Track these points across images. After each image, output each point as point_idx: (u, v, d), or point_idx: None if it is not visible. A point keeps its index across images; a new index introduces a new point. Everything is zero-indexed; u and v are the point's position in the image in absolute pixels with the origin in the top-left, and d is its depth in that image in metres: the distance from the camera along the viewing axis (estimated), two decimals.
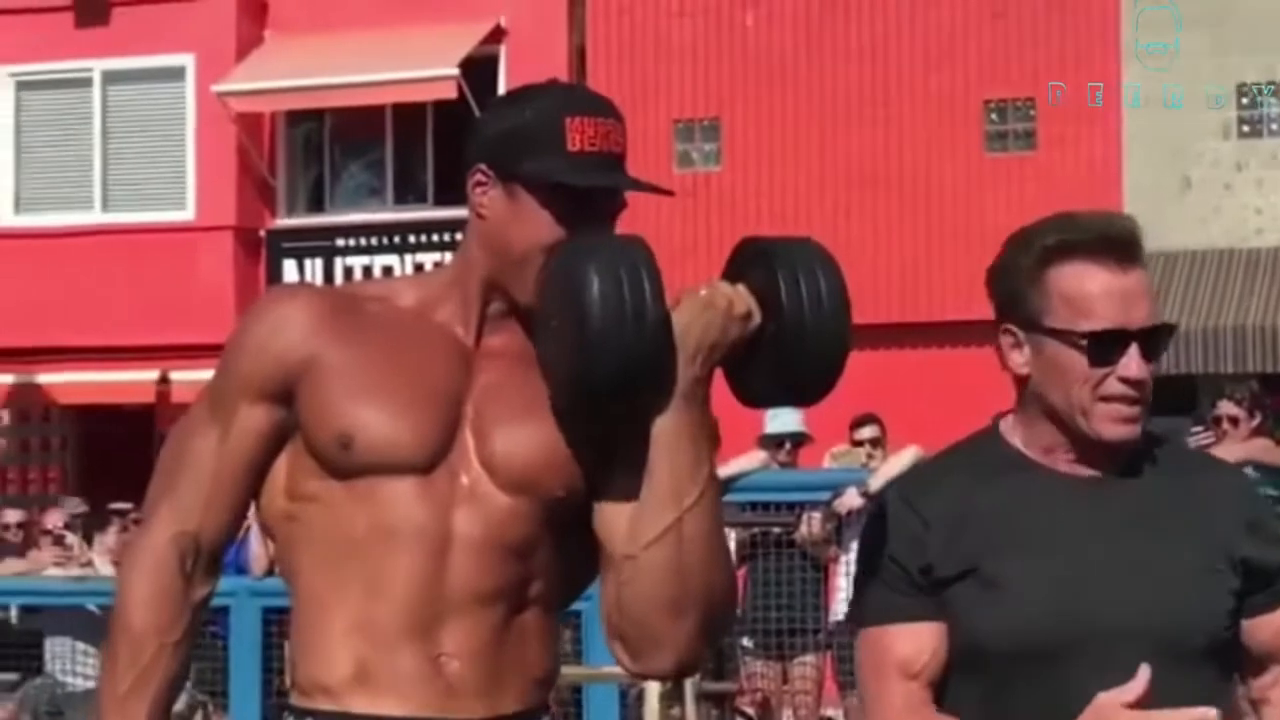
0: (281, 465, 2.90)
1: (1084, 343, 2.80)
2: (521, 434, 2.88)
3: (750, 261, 2.84)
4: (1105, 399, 2.82)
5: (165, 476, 2.93)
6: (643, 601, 2.78)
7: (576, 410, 2.84)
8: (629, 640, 2.85)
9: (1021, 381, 2.90)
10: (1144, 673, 2.71)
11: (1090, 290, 2.82)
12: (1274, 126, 17.69)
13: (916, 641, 2.88)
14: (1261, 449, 9.79)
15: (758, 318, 2.76)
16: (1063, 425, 2.87)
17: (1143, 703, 2.73)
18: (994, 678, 2.85)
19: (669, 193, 3.11)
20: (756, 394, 2.85)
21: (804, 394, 2.86)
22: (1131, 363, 2.81)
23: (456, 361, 2.89)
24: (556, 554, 2.94)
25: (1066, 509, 2.87)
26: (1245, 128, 17.75)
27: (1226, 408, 10.27)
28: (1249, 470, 9.67)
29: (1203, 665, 2.86)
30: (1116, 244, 2.85)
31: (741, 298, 2.77)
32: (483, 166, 2.89)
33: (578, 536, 2.94)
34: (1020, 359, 2.89)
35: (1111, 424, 2.83)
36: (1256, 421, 10.23)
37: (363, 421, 2.81)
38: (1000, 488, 2.90)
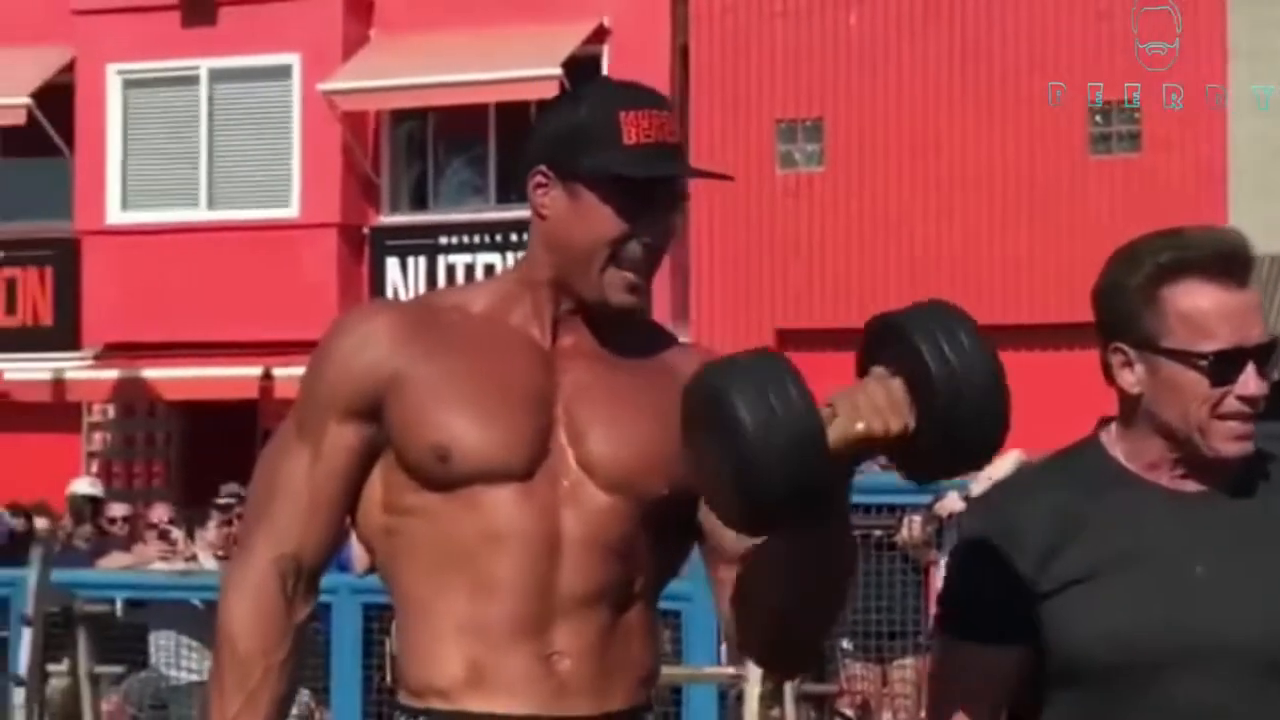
0: (376, 481, 2.91)
1: (1205, 364, 2.79)
2: (616, 434, 2.89)
3: (884, 340, 2.70)
4: (1222, 417, 2.80)
5: (260, 500, 2.96)
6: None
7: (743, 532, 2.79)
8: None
9: (1130, 399, 2.87)
10: None
11: (1209, 309, 2.79)
12: None
13: (1005, 664, 2.87)
14: None
15: (910, 419, 2.63)
16: (1175, 441, 2.85)
17: None
18: (1096, 692, 2.83)
19: (729, 178, 3.14)
20: (927, 472, 2.73)
21: (975, 461, 2.73)
22: (1250, 381, 2.79)
23: (538, 364, 2.90)
24: (656, 550, 2.95)
25: (1173, 524, 2.85)
26: None
27: None
28: None
29: None
30: (1231, 261, 2.82)
31: (892, 391, 2.63)
32: (542, 168, 2.92)
33: (674, 531, 2.97)
34: (1132, 378, 2.85)
35: (1229, 441, 2.81)
36: None
37: (458, 433, 2.83)
38: (1104, 502, 2.88)
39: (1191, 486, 2.87)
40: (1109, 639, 2.81)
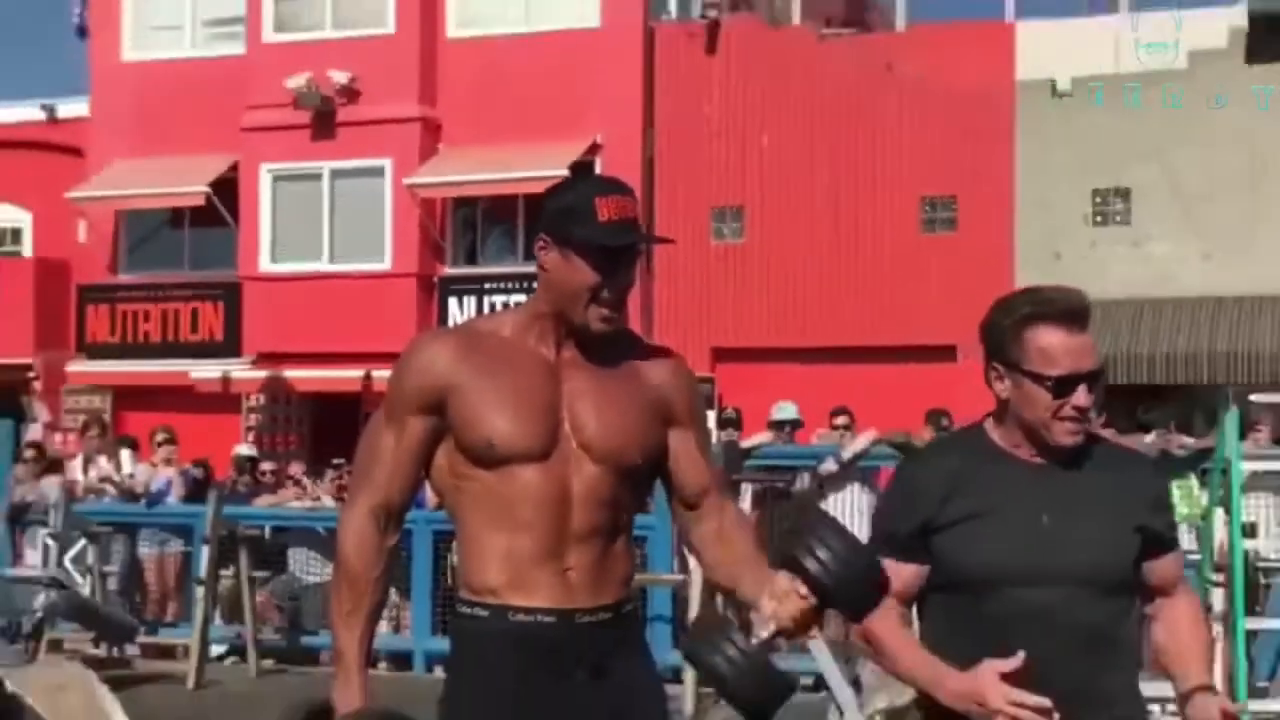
0: (442, 454, 2.94)
1: (1050, 384, 2.82)
2: (604, 424, 2.91)
3: (787, 551, 2.76)
4: (1061, 419, 2.84)
5: (362, 466, 2.99)
6: None
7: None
8: None
9: (1002, 400, 2.90)
10: (1019, 656, 2.70)
11: (1055, 346, 2.82)
12: (1117, 219, 17.61)
13: (909, 576, 2.88)
14: (1111, 436, 9.82)
15: (812, 602, 2.70)
16: (1030, 432, 2.88)
17: (1018, 679, 2.70)
18: (971, 596, 2.84)
19: (671, 240, 3.32)
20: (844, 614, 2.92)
21: (859, 616, 2.85)
22: (1080, 396, 2.83)
23: (548, 375, 2.92)
24: (633, 498, 3.03)
25: (1028, 486, 2.88)
26: (1099, 218, 17.67)
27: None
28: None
29: (1111, 593, 2.86)
30: (1074, 313, 2.85)
31: (794, 598, 2.69)
32: (543, 236, 2.94)
33: (644, 484, 3.06)
34: (1002, 387, 2.89)
35: (1066, 435, 2.85)
36: (1103, 420, 10.26)
37: (500, 430, 2.86)
38: (982, 468, 2.90)
39: (1041, 461, 2.89)
40: (982, 562, 2.83)
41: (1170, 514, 3.04)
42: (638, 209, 2.95)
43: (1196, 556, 8.66)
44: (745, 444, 10.62)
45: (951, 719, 2.79)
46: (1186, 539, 9.32)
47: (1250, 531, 7.31)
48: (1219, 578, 6.66)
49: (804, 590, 2.67)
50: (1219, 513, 6.83)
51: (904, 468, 3.08)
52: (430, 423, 2.92)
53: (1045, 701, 2.69)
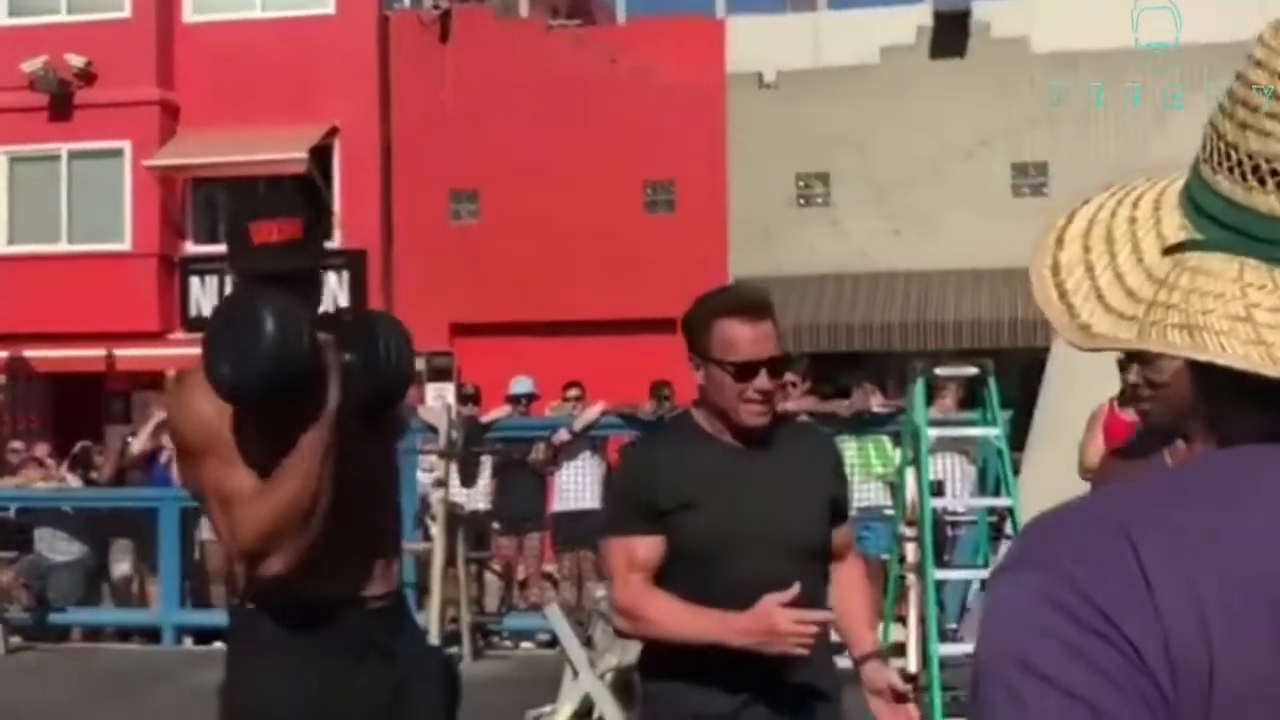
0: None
1: (732, 369, 2.91)
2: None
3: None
4: (747, 401, 2.93)
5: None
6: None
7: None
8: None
9: (702, 388, 2.99)
10: (795, 587, 2.80)
11: (736, 336, 2.91)
12: (819, 200, 18.21)
13: (649, 548, 2.92)
14: (811, 403, 10.16)
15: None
16: (723, 415, 2.96)
17: (796, 603, 2.81)
18: (694, 567, 2.90)
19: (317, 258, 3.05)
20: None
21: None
22: (762, 380, 2.92)
23: None
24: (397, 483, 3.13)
25: (732, 465, 2.96)
26: (802, 200, 18.25)
27: (790, 376, 10.66)
28: (802, 417, 10.08)
29: (813, 559, 3.00)
30: (753, 307, 2.96)
31: None
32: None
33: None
34: (700, 376, 2.98)
35: (751, 417, 2.94)
36: (808, 385, 10.63)
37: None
38: (695, 451, 2.98)
39: (740, 443, 2.98)
40: (701, 536, 2.90)
41: (845, 481, 3.24)
42: (299, 228, 2.81)
43: (891, 512, 9.11)
44: (485, 419, 10.68)
45: (674, 671, 2.91)
46: (881, 495, 9.78)
47: (938, 489, 7.71)
48: (911, 532, 7.02)
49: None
50: (910, 472, 7.20)
51: (625, 456, 3.14)
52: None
53: (826, 615, 2.88)
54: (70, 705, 8.57)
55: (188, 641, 10.64)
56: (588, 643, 4.99)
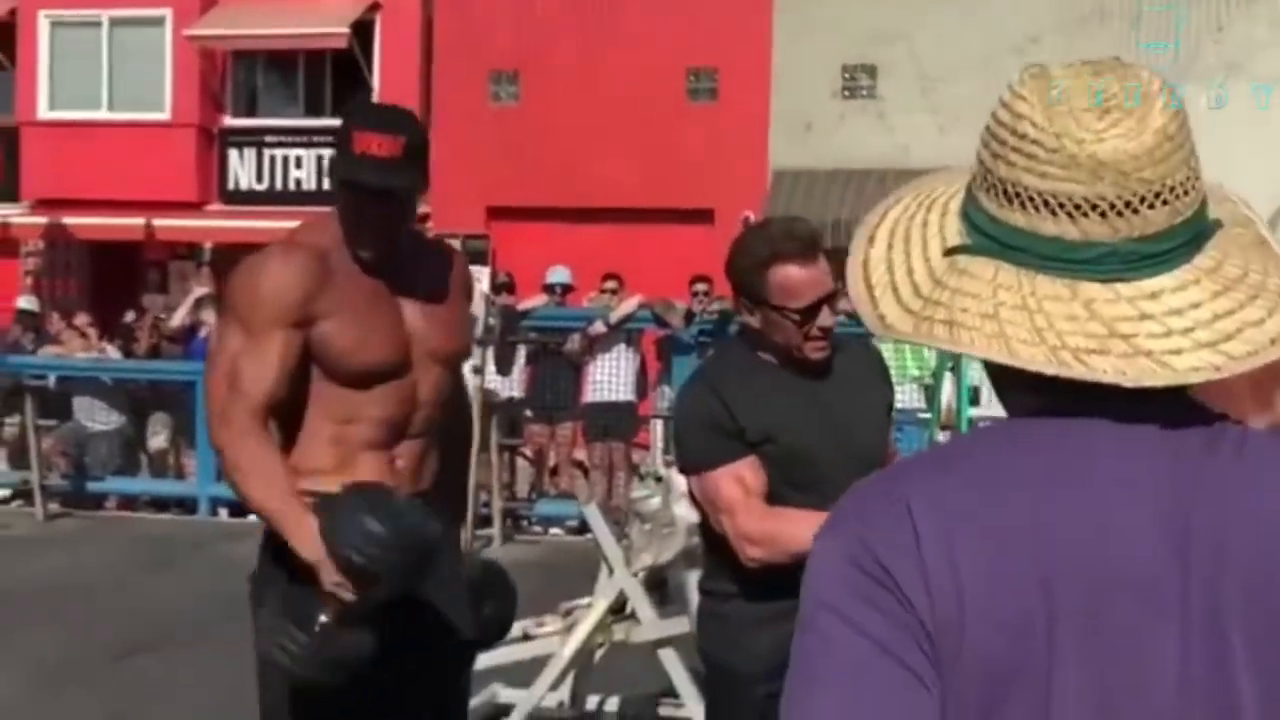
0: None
1: (795, 316, 2.89)
2: (440, 330, 2.93)
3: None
4: (809, 339, 2.92)
5: (226, 380, 2.80)
6: None
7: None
8: None
9: (755, 328, 2.97)
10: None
11: (794, 282, 2.88)
12: (864, 93, 17.93)
13: (754, 469, 2.91)
14: (848, 304, 10.08)
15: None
16: (784, 352, 2.96)
17: None
18: (781, 498, 2.90)
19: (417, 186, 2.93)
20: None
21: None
22: (824, 318, 2.91)
23: (384, 296, 2.88)
24: (454, 398, 3.09)
25: (800, 392, 2.96)
26: (847, 92, 17.97)
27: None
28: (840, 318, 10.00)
29: (880, 464, 2.95)
30: (806, 246, 2.91)
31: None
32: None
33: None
34: (753, 320, 2.96)
35: (815, 353, 2.95)
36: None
37: (367, 361, 2.85)
38: (762, 383, 2.97)
39: (800, 371, 2.98)
40: (785, 466, 2.91)
41: (892, 386, 3.25)
42: (407, 145, 2.76)
43: (926, 415, 9.07)
44: (521, 307, 10.64)
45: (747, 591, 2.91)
46: (915, 398, 9.73)
47: (974, 397, 7.66)
48: (943, 437, 6.99)
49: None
50: (948, 377, 7.14)
51: (693, 392, 3.07)
52: (296, 335, 2.79)
53: None
54: (106, 572, 8.68)
55: (223, 514, 10.75)
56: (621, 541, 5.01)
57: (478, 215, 17.66)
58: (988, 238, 1.18)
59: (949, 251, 1.20)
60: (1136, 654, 1.11)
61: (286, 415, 2.84)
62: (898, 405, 10.06)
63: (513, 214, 17.96)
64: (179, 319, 11.62)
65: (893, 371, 10.09)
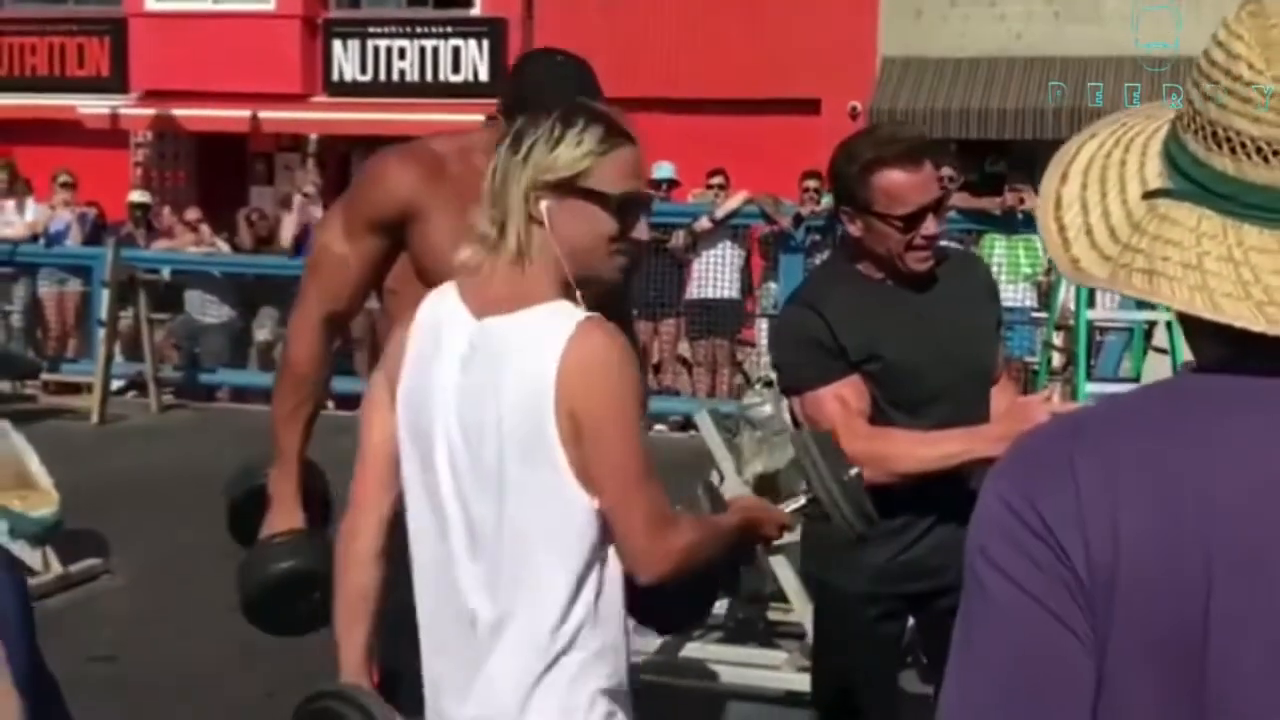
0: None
1: (899, 223, 2.83)
2: None
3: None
4: (913, 248, 2.87)
5: (316, 267, 2.85)
6: None
7: None
8: None
9: (857, 238, 2.91)
10: (1046, 389, 2.83)
11: (899, 187, 2.81)
12: None
13: (856, 389, 2.88)
14: (962, 199, 9.91)
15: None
16: (886, 262, 2.90)
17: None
18: (889, 417, 2.89)
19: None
20: None
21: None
22: (929, 225, 2.85)
23: None
24: None
25: (905, 307, 2.92)
26: None
27: (945, 171, 10.36)
28: (952, 213, 9.84)
29: (988, 379, 3.02)
30: (912, 151, 2.85)
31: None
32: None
33: None
34: (855, 229, 2.90)
35: (919, 264, 2.90)
36: (964, 179, 10.34)
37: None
38: (866, 300, 2.92)
39: (905, 285, 2.94)
40: (893, 383, 2.89)
41: (1000, 302, 3.18)
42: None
43: (1041, 315, 8.92)
44: None
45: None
46: (1028, 296, 9.57)
47: (1091, 298, 7.51)
48: (1059, 340, 6.85)
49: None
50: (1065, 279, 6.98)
51: (795, 312, 3.03)
52: (388, 242, 2.80)
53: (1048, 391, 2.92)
54: (221, 463, 8.85)
55: (330, 406, 10.90)
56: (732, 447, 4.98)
57: None
58: (1192, 182, 1.14)
59: (1149, 194, 1.16)
60: None
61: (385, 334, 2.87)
62: (1010, 303, 9.99)
63: (619, 105, 17.77)
64: (289, 230, 11.66)
65: (1004, 270, 10.00)
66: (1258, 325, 1.08)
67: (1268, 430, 1.10)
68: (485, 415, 2.07)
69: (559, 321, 2.06)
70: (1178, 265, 1.12)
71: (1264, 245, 1.10)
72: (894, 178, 2.82)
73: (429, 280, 2.75)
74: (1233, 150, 1.11)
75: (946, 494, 2.85)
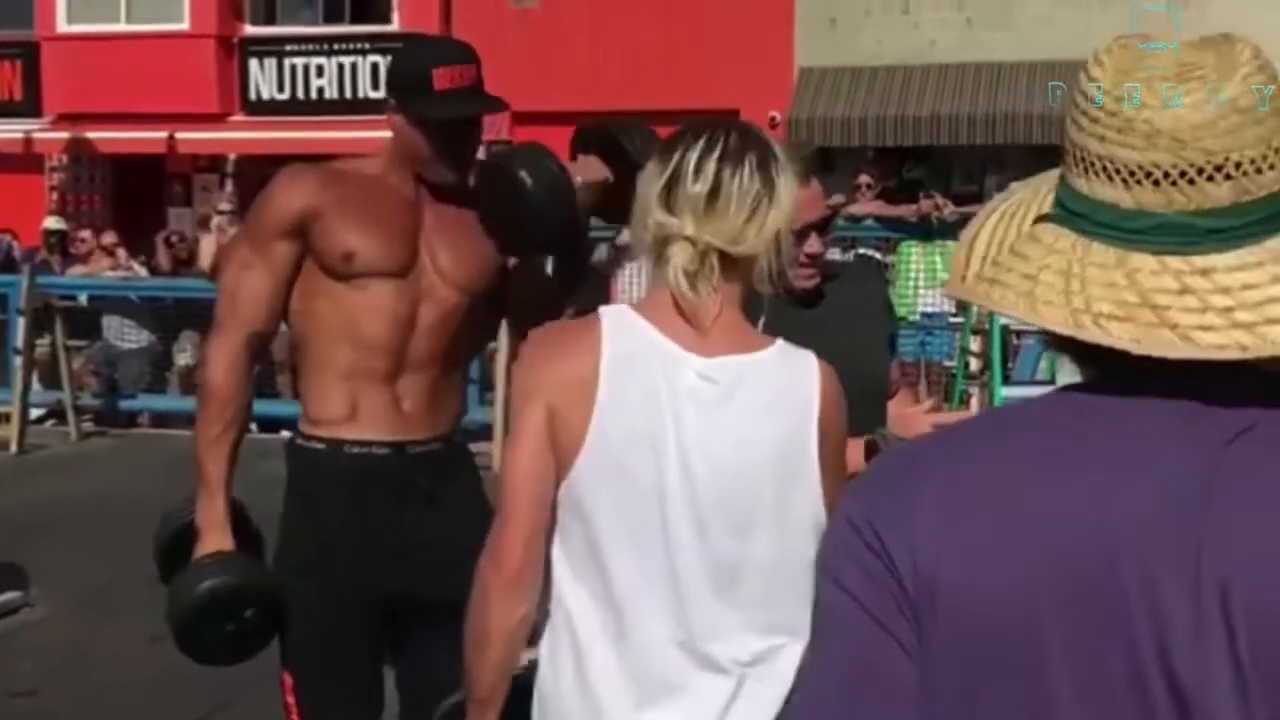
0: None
1: None
2: (459, 252, 2.89)
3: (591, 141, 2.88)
4: (795, 264, 2.81)
5: (228, 294, 2.85)
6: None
7: (512, 251, 2.88)
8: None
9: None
10: (929, 401, 2.81)
11: None
12: None
13: None
14: (877, 207, 10.00)
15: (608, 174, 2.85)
16: (781, 278, 2.92)
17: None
18: None
19: (504, 106, 2.98)
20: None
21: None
22: (812, 244, 2.84)
23: (408, 206, 2.87)
24: (474, 333, 3.02)
25: (794, 321, 2.77)
26: None
27: (863, 178, 10.44)
28: (869, 221, 9.93)
29: (882, 399, 2.96)
30: (802, 167, 2.75)
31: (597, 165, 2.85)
32: (389, 99, 2.86)
33: (483, 316, 3.03)
34: None
35: (802, 280, 2.87)
36: (879, 189, 10.43)
37: (359, 243, 2.80)
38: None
39: (793, 299, 2.84)
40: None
41: (895, 318, 3.20)
42: (477, 71, 2.83)
43: (958, 319, 9.02)
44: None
45: None
46: (945, 302, 9.67)
47: None
48: (975, 345, 6.94)
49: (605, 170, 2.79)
50: None
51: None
52: (294, 247, 2.82)
53: (930, 406, 2.96)
54: (142, 490, 8.75)
55: (253, 428, 10.80)
56: None
57: (502, 120, 17.50)
58: (1060, 205, 1.19)
59: (1036, 220, 1.21)
60: (1130, 651, 1.08)
61: (299, 360, 2.89)
62: (929, 309, 10.04)
63: (538, 119, 17.77)
64: (209, 252, 11.56)
65: (922, 276, 10.03)
66: (1065, 329, 1.12)
67: (1106, 457, 1.12)
68: (745, 452, 1.99)
69: (798, 356, 2.09)
70: (1019, 276, 1.17)
71: (1104, 261, 1.14)
72: None
73: (337, 275, 2.81)
74: (1084, 171, 1.16)
75: None
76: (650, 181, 2.04)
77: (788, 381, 2.05)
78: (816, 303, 2.93)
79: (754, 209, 2.01)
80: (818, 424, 2.04)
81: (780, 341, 2.11)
